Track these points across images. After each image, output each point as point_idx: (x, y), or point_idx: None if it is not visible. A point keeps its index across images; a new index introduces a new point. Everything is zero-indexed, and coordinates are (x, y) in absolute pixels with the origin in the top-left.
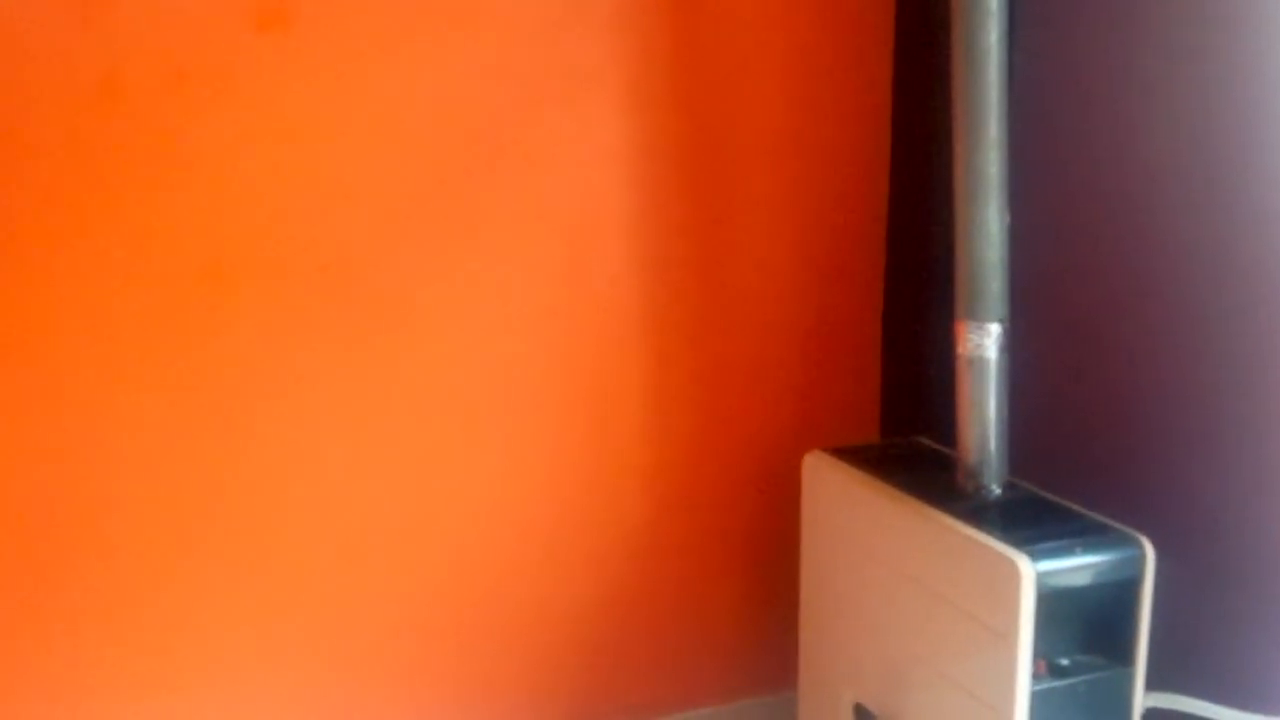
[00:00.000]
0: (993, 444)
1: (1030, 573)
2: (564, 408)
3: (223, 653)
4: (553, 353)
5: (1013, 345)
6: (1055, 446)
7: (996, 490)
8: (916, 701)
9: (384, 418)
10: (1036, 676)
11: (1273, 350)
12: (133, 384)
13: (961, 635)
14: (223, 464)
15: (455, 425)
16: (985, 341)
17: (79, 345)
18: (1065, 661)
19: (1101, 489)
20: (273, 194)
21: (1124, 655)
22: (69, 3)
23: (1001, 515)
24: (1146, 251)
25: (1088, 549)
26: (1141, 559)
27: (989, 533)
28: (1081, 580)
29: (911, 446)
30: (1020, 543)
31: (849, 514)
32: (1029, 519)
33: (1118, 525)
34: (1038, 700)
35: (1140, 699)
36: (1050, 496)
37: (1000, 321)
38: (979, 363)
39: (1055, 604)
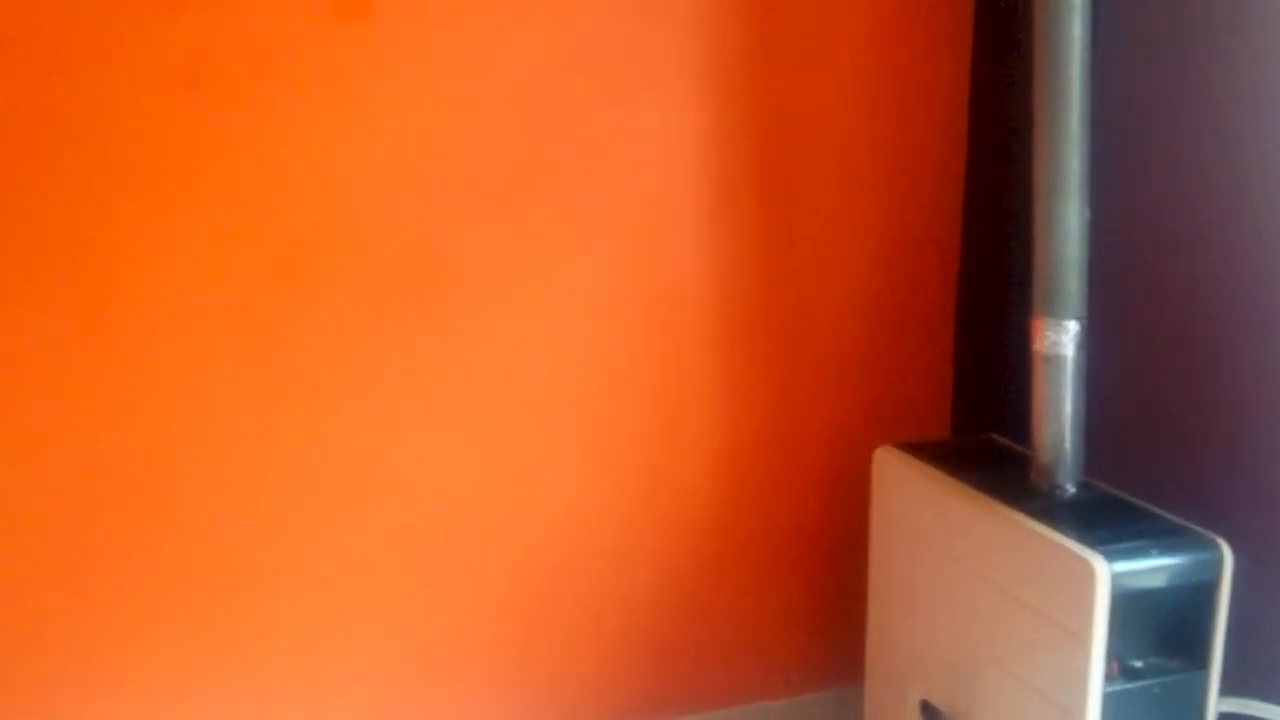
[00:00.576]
0: (1068, 442)
1: (1105, 573)
2: (635, 400)
3: (292, 637)
4: (624, 344)
5: (1090, 343)
6: (1132, 446)
7: (1071, 489)
8: (985, 699)
9: (455, 407)
10: (1109, 678)
11: None
12: (211, 371)
13: (1033, 635)
14: (298, 450)
15: (525, 416)
16: (1063, 339)
17: (160, 331)
18: (1139, 664)
19: (1178, 490)
20: (351, 184)
21: (1199, 659)
22: None
23: (1076, 515)
24: (1229, 249)
25: (1164, 551)
26: (1219, 562)
27: (1064, 532)
28: (1157, 582)
29: (983, 443)
30: (1095, 543)
31: (920, 510)
32: (1104, 519)
33: (1195, 527)
34: (1110, 702)
35: (1214, 703)
36: (1126, 497)
37: (1078, 319)
38: (1056, 360)
39: (1130, 605)
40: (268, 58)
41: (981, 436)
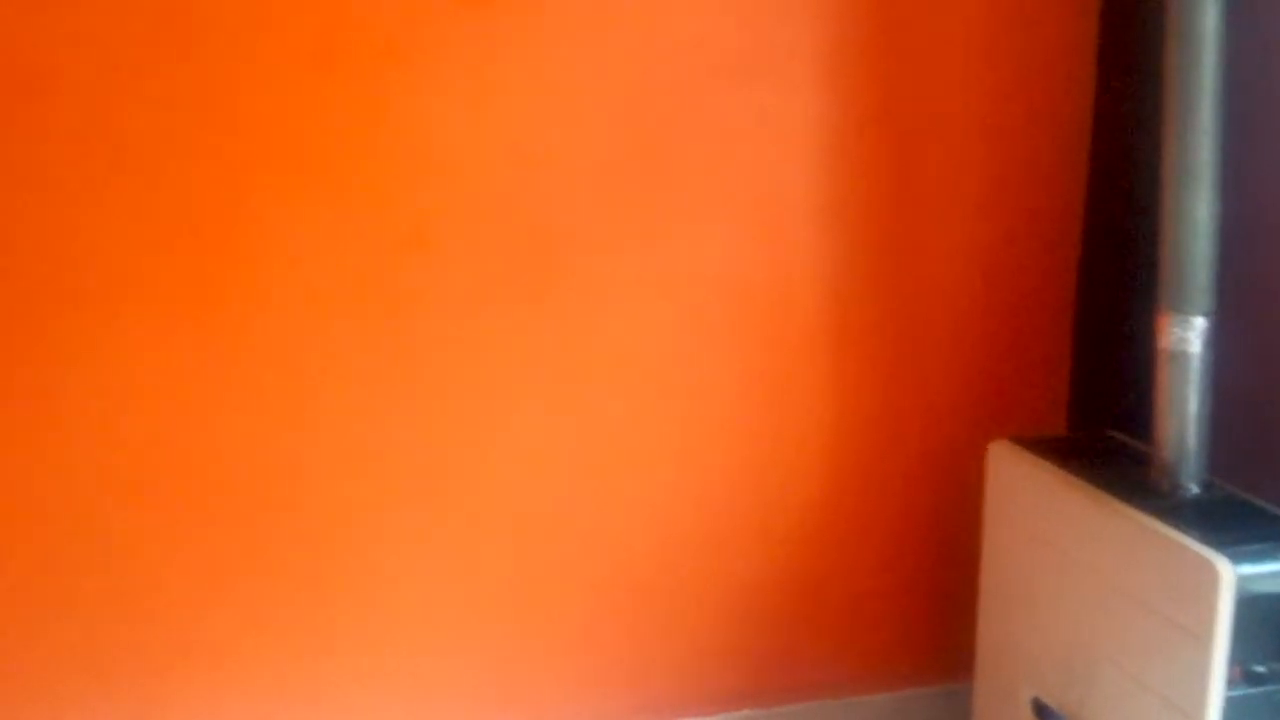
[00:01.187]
0: (1192, 441)
1: (1230, 576)
2: (745, 385)
3: (403, 611)
4: (734, 329)
5: (1216, 339)
6: (1257, 447)
7: (1194, 489)
8: (1101, 700)
9: (566, 385)
10: (1231, 683)
11: None
12: (333, 343)
13: (1153, 636)
14: (417, 425)
15: (633, 397)
16: (1189, 335)
17: (285, 305)
18: (1262, 669)
19: None
20: (472, 163)
21: None
22: None
23: (1199, 515)
24: None
25: None
26: None
27: (1187, 533)
28: None
29: (1102, 440)
30: (1220, 544)
31: (1036, 506)
32: (1229, 520)
33: None
34: (1231, 707)
35: None
36: (1251, 498)
37: (1206, 315)
38: (1181, 357)
39: (1254, 609)
40: (397, 38)
41: (1100, 432)
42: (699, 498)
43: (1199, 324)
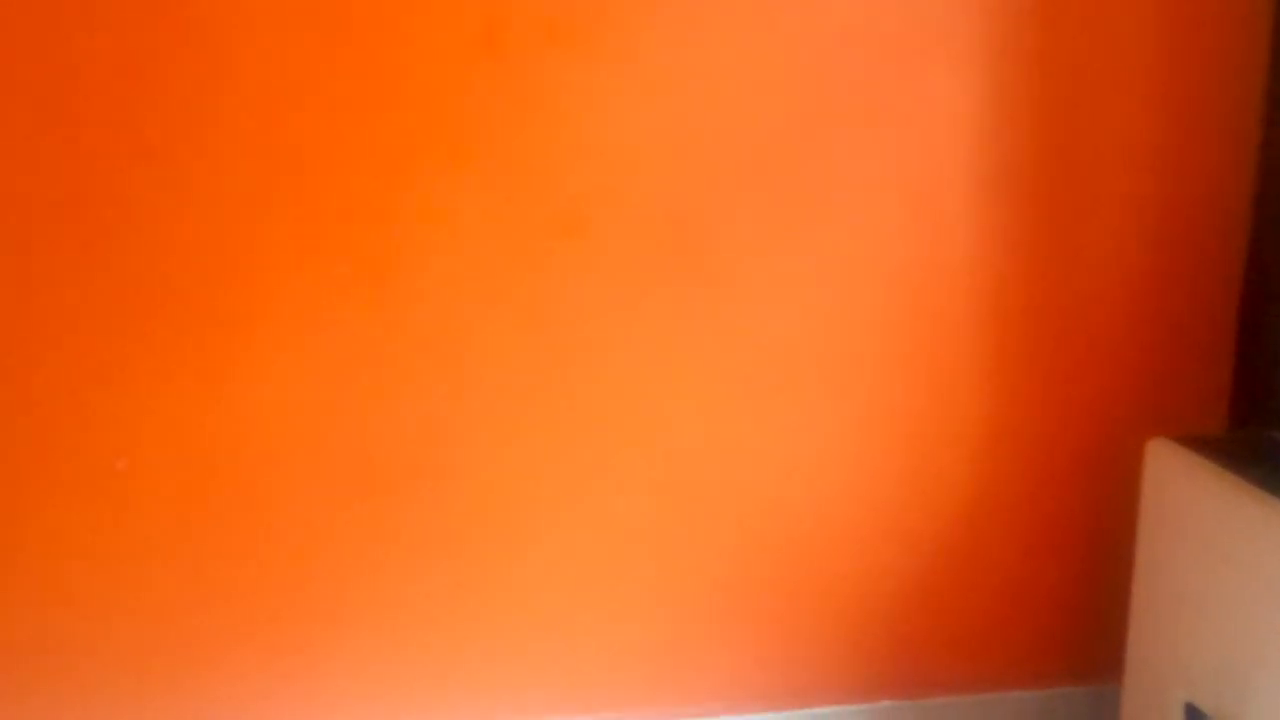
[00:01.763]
0: None
1: None
2: (895, 376)
3: (544, 599)
4: (887, 319)
5: None
6: None
7: None
8: (1260, 708)
9: (714, 372)
10: None
11: None
12: (488, 328)
13: None
14: (568, 411)
15: (783, 384)
16: None
17: (444, 285)
18: None
19: None
20: (629, 146)
21: None
22: None
23: None
24: None
25: None
26: None
27: None
28: None
29: (1265, 440)
30: None
31: (1195, 507)
32: None
33: None
34: None
35: None
36: None
37: None
38: None
39: None
40: (559, 22)
41: (1263, 432)
42: (844, 490)
43: None
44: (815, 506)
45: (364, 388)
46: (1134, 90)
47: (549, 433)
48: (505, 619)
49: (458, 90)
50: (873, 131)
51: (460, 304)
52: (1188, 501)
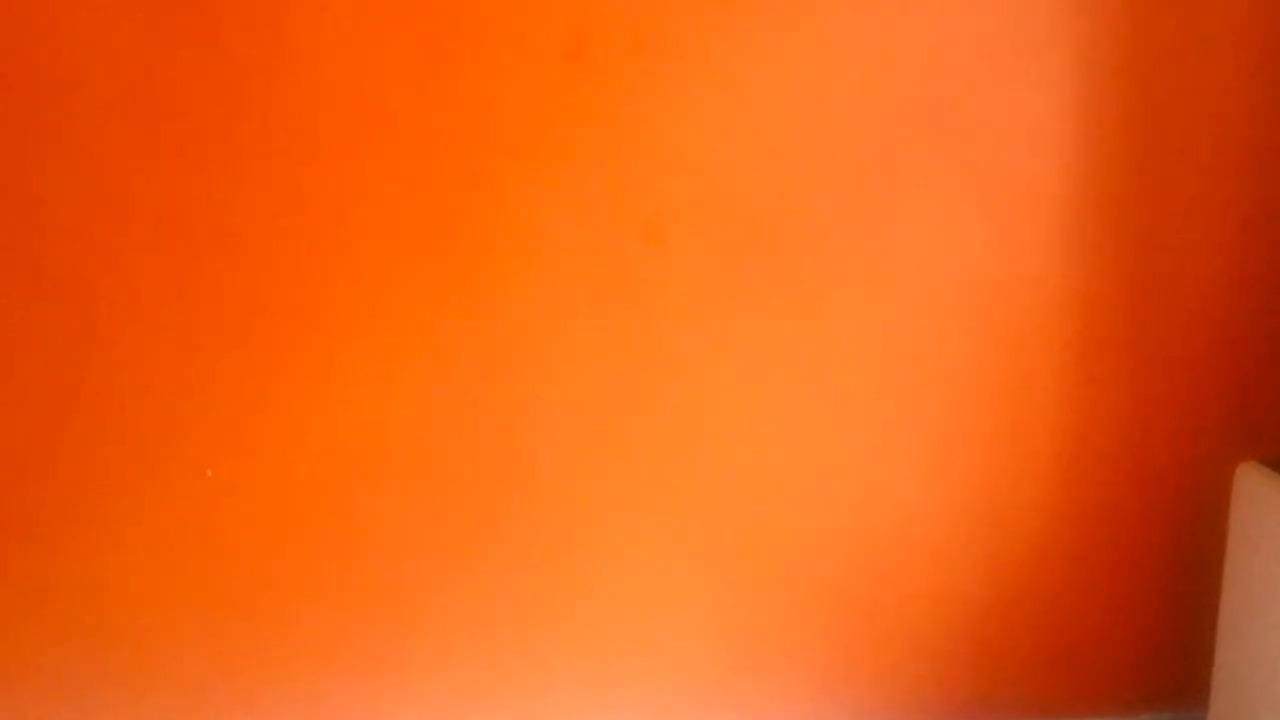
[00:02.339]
0: None
1: None
2: (978, 396)
3: (625, 611)
4: (971, 338)
5: None
6: None
7: None
8: None
9: (795, 385)
10: None
11: None
12: (574, 327)
13: None
14: (647, 421)
15: (869, 402)
16: None
17: (530, 288)
18: None
19: None
20: (715, 155)
21: None
22: None
23: None
24: None
25: None
26: None
27: None
28: None
29: None
30: None
31: None
32: None
33: None
34: None
35: None
36: None
37: None
38: None
39: None
40: (645, 32)
41: None
42: (925, 510)
43: None
44: (895, 526)
45: (448, 400)
46: (1226, 112)
47: (628, 444)
48: (584, 633)
49: (544, 101)
50: (959, 149)
51: (544, 315)
52: (1277, 525)
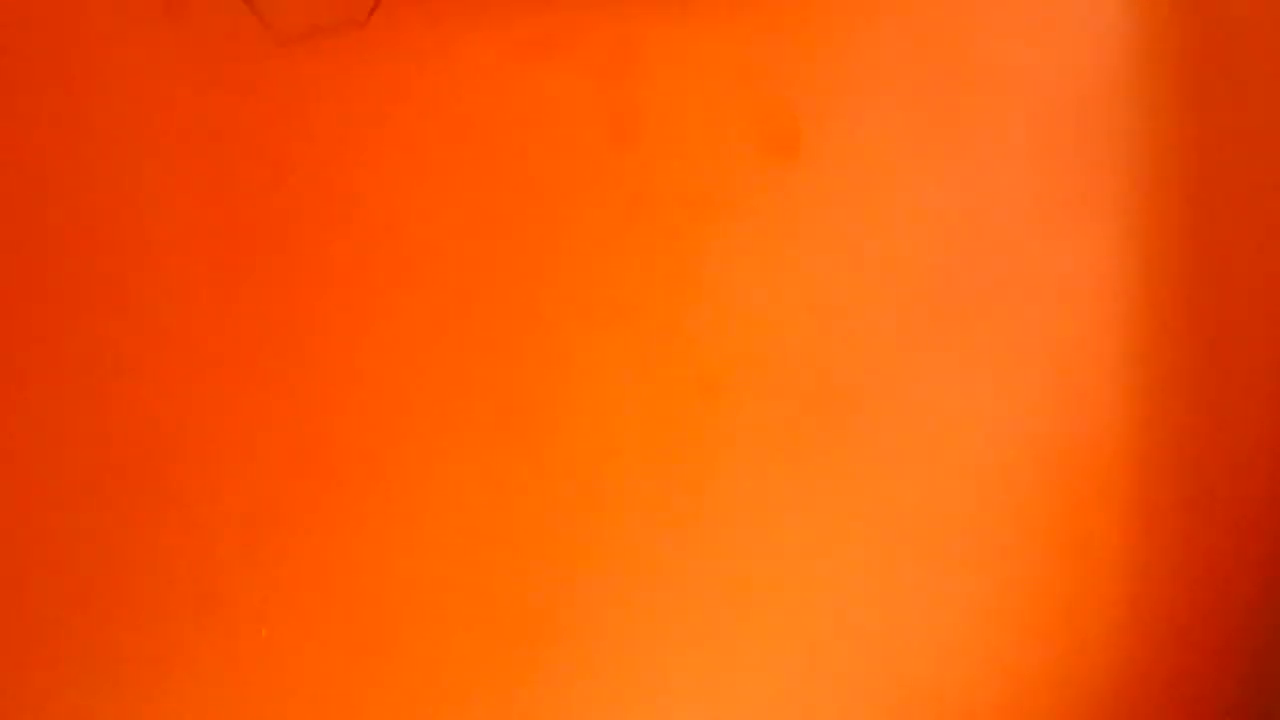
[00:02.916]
0: None
1: None
2: (1041, 548)
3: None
4: (1033, 492)
5: None
6: None
7: None
8: None
9: (855, 542)
10: None
11: None
12: (625, 487)
13: None
14: (700, 572)
15: (926, 557)
16: None
17: (585, 441)
18: None
19: None
20: (772, 314)
21: None
22: (604, 131)
23: None
24: None
25: None
26: None
27: None
28: None
29: None
30: None
31: None
32: None
33: None
34: None
35: None
36: None
37: None
38: None
39: None
40: (701, 195)
41: None
42: (989, 665)
43: None
44: (953, 685)
45: (503, 541)
46: None
47: (684, 598)
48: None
49: (604, 256)
50: (1018, 299)
51: (600, 457)
52: None
